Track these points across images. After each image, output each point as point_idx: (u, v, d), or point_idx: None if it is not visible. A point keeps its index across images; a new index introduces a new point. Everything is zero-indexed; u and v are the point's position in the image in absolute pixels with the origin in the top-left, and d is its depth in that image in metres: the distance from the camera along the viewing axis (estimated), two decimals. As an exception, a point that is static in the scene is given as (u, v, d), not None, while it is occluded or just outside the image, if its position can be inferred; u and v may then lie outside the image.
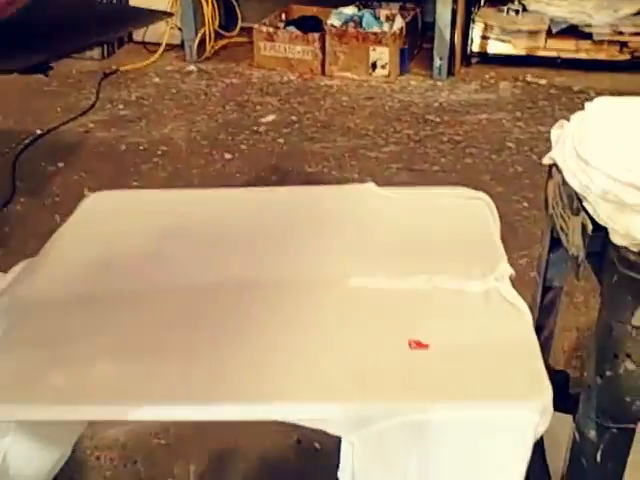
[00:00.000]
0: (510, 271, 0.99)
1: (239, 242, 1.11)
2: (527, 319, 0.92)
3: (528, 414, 0.79)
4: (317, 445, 1.48)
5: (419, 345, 0.87)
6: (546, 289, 1.25)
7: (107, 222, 1.20)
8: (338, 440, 0.86)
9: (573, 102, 3.03)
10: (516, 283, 1.00)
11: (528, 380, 0.83)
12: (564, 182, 1.00)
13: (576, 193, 0.96)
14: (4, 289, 1.02)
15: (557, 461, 1.10)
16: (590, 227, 0.90)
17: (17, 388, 0.88)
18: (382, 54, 3.28)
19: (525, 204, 2.33)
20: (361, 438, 0.81)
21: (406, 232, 1.10)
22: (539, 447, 1.16)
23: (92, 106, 3.08)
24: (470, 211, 1.15)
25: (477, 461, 0.81)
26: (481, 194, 1.18)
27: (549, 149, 1.05)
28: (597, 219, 0.89)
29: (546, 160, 1.06)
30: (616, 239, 0.86)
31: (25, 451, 0.93)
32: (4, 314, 0.97)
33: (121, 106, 3.10)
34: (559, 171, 1.02)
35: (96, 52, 3.49)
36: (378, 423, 0.80)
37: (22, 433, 0.92)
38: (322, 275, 1.01)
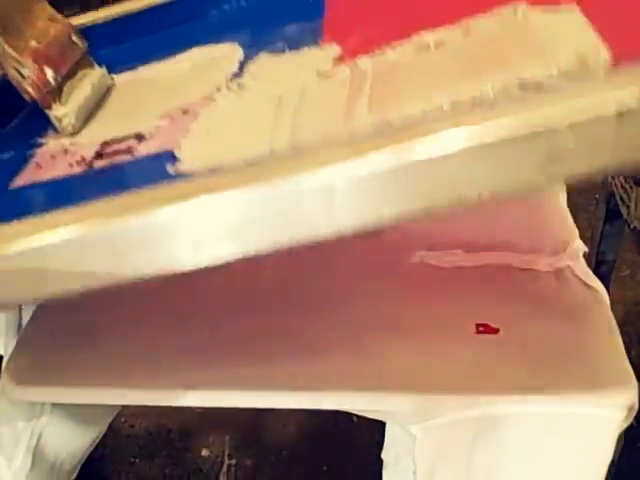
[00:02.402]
0: (584, 248, 0.91)
1: None
2: (605, 302, 0.84)
3: (612, 411, 0.72)
4: (354, 418, 1.45)
5: (487, 330, 0.81)
6: (598, 263, 1.20)
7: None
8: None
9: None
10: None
11: (610, 372, 0.75)
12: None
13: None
14: None
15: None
16: (657, 199, 0.85)
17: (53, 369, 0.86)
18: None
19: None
20: (425, 431, 0.76)
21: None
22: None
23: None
24: None
25: (553, 460, 0.74)
26: None
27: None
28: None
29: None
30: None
31: (61, 432, 0.91)
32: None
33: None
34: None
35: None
36: (444, 416, 0.75)
37: (58, 414, 0.89)
38: (383, 249, 0.95)
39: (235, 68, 0.74)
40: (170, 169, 0.59)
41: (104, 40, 0.86)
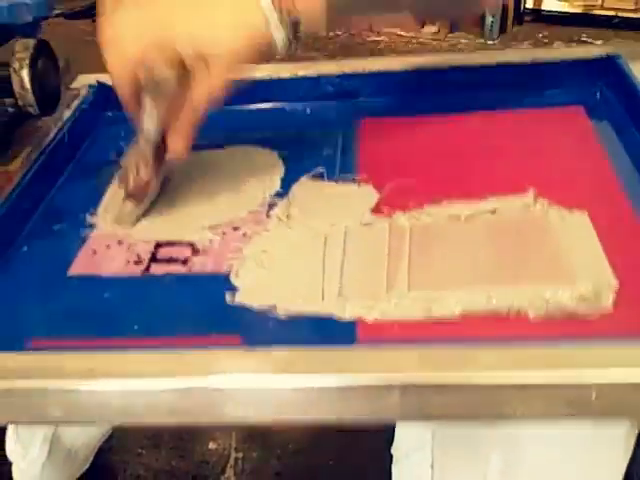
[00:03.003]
0: None
1: None
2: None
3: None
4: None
5: None
6: None
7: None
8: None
9: (629, 64, 2.93)
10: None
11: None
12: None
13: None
14: None
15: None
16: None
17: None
18: (432, 10, 3.19)
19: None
20: (443, 425, 0.76)
21: None
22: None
23: (136, 58, 3.05)
24: None
25: (570, 457, 0.74)
26: None
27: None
28: None
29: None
30: None
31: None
32: None
33: (165, 59, 3.06)
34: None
35: (141, 3, 3.44)
36: None
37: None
38: None
39: (278, 186, 0.81)
40: (229, 298, 0.65)
41: None
